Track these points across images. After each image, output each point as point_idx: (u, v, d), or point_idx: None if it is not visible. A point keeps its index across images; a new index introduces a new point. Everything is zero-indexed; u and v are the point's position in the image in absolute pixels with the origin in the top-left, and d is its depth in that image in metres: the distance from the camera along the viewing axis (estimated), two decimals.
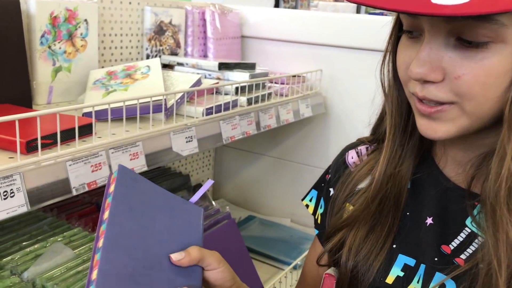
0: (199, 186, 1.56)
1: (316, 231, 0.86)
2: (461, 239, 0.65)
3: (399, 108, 0.70)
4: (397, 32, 0.67)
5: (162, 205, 0.68)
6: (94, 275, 0.54)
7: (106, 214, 0.60)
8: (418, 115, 0.62)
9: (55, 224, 1.04)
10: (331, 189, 0.81)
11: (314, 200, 0.88)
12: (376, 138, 0.79)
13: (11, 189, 0.70)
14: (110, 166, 0.86)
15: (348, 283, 0.71)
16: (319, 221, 0.86)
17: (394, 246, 0.69)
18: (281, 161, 1.76)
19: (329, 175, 0.84)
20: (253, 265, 1.30)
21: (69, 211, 1.15)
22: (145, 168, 0.92)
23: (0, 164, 0.70)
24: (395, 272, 0.68)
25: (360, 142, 0.83)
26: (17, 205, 0.71)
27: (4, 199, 0.69)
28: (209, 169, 1.89)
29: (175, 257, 0.62)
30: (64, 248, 0.92)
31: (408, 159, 0.71)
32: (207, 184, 0.76)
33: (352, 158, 0.80)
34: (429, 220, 0.68)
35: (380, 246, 0.68)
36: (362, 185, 0.75)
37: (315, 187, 0.89)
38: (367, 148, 0.80)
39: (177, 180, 1.50)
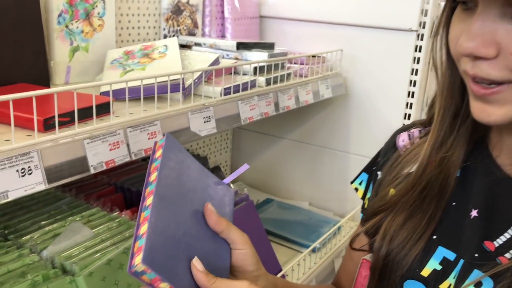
0: (217, 168, 1.56)
1: (361, 215, 0.81)
2: (508, 236, 0.59)
3: (451, 88, 0.63)
4: (451, 3, 0.60)
5: (200, 179, 0.68)
6: (143, 229, 0.53)
7: (153, 176, 0.60)
8: (472, 97, 0.56)
9: (73, 204, 1.04)
10: (379, 173, 0.77)
11: (364, 184, 0.83)
12: (429, 120, 0.72)
13: (29, 167, 0.70)
14: (128, 145, 0.85)
15: (380, 272, 0.67)
16: (365, 206, 0.81)
17: (434, 237, 0.64)
18: (300, 144, 1.74)
19: (379, 158, 0.79)
20: (271, 248, 1.29)
21: (87, 191, 1.15)
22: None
23: (18, 142, 0.69)
24: (433, 264, 0.63)
25: (413, 124, 0.76)
26: (35, 183, 0.71)
27: (22, 176, 0.69)
28: (226, 152, 1.88)
29: (208, 208, 0.61)
30: (82, 227, 0.92)
31: (459, 144, 0.65)
32: (243, 168, 0.74)
33: (403, 141, 0.75)
34: (474, 213, 0.63)
35: (419, 236, 0.64)
36: (409, 169, 0.70)
37: (365, 170, 0.84)
38: (420, 131, 0.74)
39: None
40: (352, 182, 0.88)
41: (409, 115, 1.49)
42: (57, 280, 0.79)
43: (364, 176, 0.84)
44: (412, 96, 1.48)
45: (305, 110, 1.66)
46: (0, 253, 0.84)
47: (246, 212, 1.25)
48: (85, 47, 1.12)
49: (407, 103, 1.49)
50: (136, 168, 1.37)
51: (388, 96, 1.52)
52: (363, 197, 0.83)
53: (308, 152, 1.73)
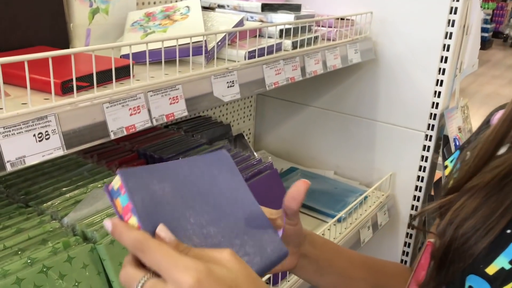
0: (240, 136, 1.52)
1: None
2: None
3: None
4: None
5: (193, 176, 0.59)
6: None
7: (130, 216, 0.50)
8: None
9: (95, 171, 1.02)
10: (468, 153, 0.70)
11: (453, 162, 0.78)
12: None
13: (46, 131, 0.67)
14: (149, 110, 0.81)
15: (440, 260, 0.61)
16: (447, 184, 0.76)
17: (508, 231, 0.57)
18: (326, 111, 1.68)
19: (472, 137, 0.73)
20: None
21: (109, 158, 1.13)
22: (185, 113, 0.87)
23: (35, 105, 0.67)
24: (501, 262, 0.55)
25: None
26: (53, 148, 0.68)
27: (39, 141, 0.66)
28: (250, 120, 1.84)
29: None
30: (104, 194, 0.90)
31: None
32: None
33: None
34: None
35: (490, 227, 0.57)
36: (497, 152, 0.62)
37: (459, 148, 0.78)
38: None
39: (218, 130, 1.46)
40: (445, 160, 0.81)
41: (441, 81, 1.42)
42: (78, 248, 0.78)
43: (456, 154, 0.78)
44: (445, 62, 1.41)
45: (332, 75, 1.60)
46: (20, 219, 0.83)
47: (270, 181, 1.22)
48: (105, 9, 1.08)
49: (440, 69, 1.42)
50: (159, 135, 1.34)
51: (419, 62, 1.45)
52: (449, 176, 0.76)
53: (335, 120, 1.67)
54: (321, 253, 0.75)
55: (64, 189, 0.93)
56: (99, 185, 0.96)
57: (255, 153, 1.46)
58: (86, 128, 0.72)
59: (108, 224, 0.50)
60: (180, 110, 0.87)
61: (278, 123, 1.82)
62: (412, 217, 0.71)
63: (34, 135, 0.66)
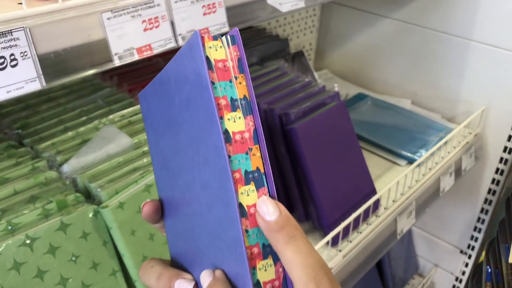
0: (299, 55, 1.25)
1: None
2: None
3: None
4: None
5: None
6: None
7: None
8: None
9: (112, 98, 0.80)
10: None
11: None
12: None
13: (12, 55, 0.45)
14: (172, 24, 0.57)
15: None
16: None
17: None
18: (407, 25, 1.36)
19: None
20: (364, 160, 1.02)
21: (134, 80, 0.90)
22: (226, 29, 0.62)
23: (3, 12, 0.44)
24: None
25: None
26: (24, 80, 0.46)
27: (1, 69, 0.44)
28: (312, 32, 1.54)
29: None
30: (118, 133, 0.68)
31: None
32: None
33: None
34: None
35: None
36: None
37: None
38: None
39: (273, 45, 1.19)
40: None
41: None
42: (75, 211, 0.58)
43: None
44: None
45: None
46: (8, 164, 0.63)
47: (336, 115, 0.97)
48: None
49: None
50: None
51: None
52: None
53: (416, 37, 1.36)
54: None
55: (69, 123, 0.72)
56: (116, 119, 0.74)
57: (316, 76, 1.20)
58: (74, 51, 0.49)
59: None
60: (218, 24, 0.61)
61: (345, 38, 1.51)
62: None
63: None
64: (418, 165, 1.11)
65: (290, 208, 0.99)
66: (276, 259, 0.33)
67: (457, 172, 1.21)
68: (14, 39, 0.44)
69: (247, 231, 0.32)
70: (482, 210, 1.40)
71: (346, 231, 0.91)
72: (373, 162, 1.16)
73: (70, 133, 0.70)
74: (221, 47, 0.32)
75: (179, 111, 0.36)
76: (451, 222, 1.48)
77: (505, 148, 1.28)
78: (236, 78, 0.32)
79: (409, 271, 1.58)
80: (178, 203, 0.38)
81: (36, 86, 0.46)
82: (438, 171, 1.15)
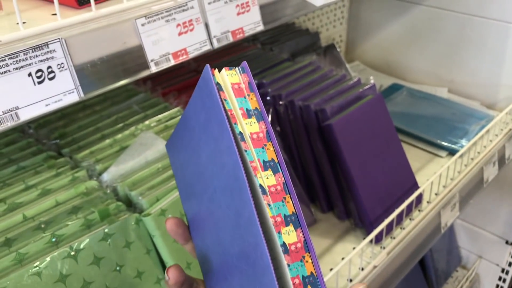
0: (331, 48, 1.22)
1: None
2: None
3: None
4: None
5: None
6: None
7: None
8: None
9: (147, 103, 0.79)
10: None
11: None
12: None
13: (49, 67, 0.44)
14: (207, 26, 0.55)
15: None
16: None
17: None
18: (441, 11, 1.32)
19: None
20: (404, 153, 0.99)
21: (167, 82, 0.89)
22: (260, 27, 0.60)
23: (30, 25, 0.43)
24: None
25: None
26: (61, 92, 0.45)
27: (39, 83, 0.43)
28: (342, 24, 1.51)
29: None
30: (155, 139, 0.68)
31: None
32: None
33: None
34: None
35: None
36: None
37: None
38: None
39: (303, 40, 1.17)
40: None
41: None
42: (118, 220, 0.57)
43: None
44: None
45: None
46: (48, 176, 0.63)
47: (374, 108, 0.94)
48: None
49: None
50: (230, 50, 1.08)
51: None
52: None
53: (451, 23, 1.31)
54: None
55: (106, 130, 0.72)
56: (152, 124, 0.73)
57: (349, 70, 1.17)
58: (111, 58, 0.48)
59: None
60: (252, 24, 0.59)
61: (376, 27, 1.47)
62: None
63: (30, 75, 0.43)
64: (460, 156, 1.07)
65: (330, 205, 0.97)
66: (297, 226, 0.37)
67: (501, 161, 1.17)
68: (50, 51, 0.44)
69: (269, 204, 0.36)
70: None
71: (389, 228, 0.88)
72: (413, 155, 1.12)
73: (107, 141, 0.69)
74: (234, 74, 0.39)
75: (199, 137, 0.41)
76: (495, 212, 1.43)
77: None
78: (248, 95, 0.39)
79: (452, 264, 1.54)
80: (203, 221, 0.42)
81: (74, 97, 0.46)
82: (481, 161, 1.11)
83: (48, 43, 0.43)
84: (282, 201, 0.37)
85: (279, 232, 0.36)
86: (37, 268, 0.52)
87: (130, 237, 0.57)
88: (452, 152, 1.11)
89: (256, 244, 0.35)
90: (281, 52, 1.09)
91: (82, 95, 0.46)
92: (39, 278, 0.52)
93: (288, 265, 0.36)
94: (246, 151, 0.37)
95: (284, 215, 0.36)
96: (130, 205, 0.61)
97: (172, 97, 0.81)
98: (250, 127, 0.38)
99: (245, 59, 1.03)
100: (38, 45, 0.43)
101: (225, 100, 0.38)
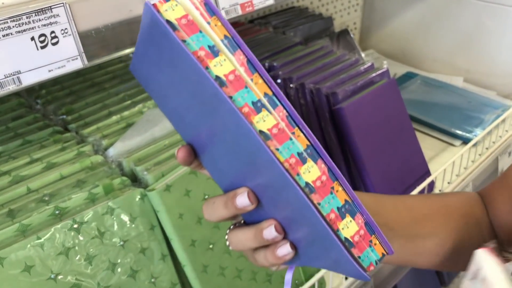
0: (344, 33, 1.20)
1: None
2: None
3: None
4: None
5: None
6: None
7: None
8: None
9: None
10: None
11: None
12: None
13: (52, 32, 0.43)
14: None
15: None
16: None
17: None
18: None
19: None
20: (417, 140, 0.97)
21: None
22: (270, 2, 0.59)
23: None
24: None
25: None
26: (65, 58, 0.44)
27: (42, 47, 0.43)
28: (356, 11, 1.49)
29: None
30: (163, 116, 0.67)
31: None
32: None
33: None
34: None
35: None
36: None
37: None
38: None
39: (316, 25, 1.15)
40: None
41: None
42: (122, 194, 0.57)
43: None
44: None
45: None
46: (54, 150, 0.63)
47: (387, 93, 0.92)
48: None
49: None
50: (242, 32, 1.07)
51: None
52: None
53: (467, 10, 1.28)
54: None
55: (114, 107, 0.71)
56: None
57: (363, 55, 1.15)
58: (116, 26, 0.47)
59: None
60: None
61: (391, 15, 1.45)
62: None
63: (33, 39, 0.42)
64: (474, 145, 1.05)
65: None
66: (316, 159, 0.34)
67: None
68: (54, 15, 0.43)
69: (277, 149, 0.32)
70: None
71: None
72: (426, 143, 1.10)
73: (114, 117, 0.69)
74: (176, 5, 0.32)
75: (171, 77, 0.35)
76: None
77: None
78: (208, 23, 0.32)
79: None
80: (206, 142, 0.38)
81: (77, 64, 0.45)
82: (496, 150, 1.08)
83: (52, 7, 0.43)
84: (291, 140, 0.33)
85: (298, 174, 0.33)
86: (40, 239, 0.51)
87: (135, 212, 0.57)
88: (466, 141, 1.09)
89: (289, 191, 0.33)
90: (294, 36, 1.07)
91: (86, 62, 0.45)
92: (42, 249, 0.51)
93: (319, 203, 0.33)
94: (230, 97, 0.31)
95: (298, 153, 0.33)
96: (135, 180, 0.61)
97: None
98: (220, 69, 0.31)
99: (257, 42, 1.02)
100: (41, 8, 0.42)
101: (185, 42, 0.31)
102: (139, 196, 0.57)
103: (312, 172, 0.33)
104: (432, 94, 1.23)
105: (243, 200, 0.36)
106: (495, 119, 1.10)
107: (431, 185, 0.94)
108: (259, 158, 0.33)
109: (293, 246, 0.37)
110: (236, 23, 1.12)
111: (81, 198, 0.56)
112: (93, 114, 0.70)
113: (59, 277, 0.52)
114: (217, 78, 0.31)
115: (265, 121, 0.32)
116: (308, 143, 0.34)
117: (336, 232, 0.33)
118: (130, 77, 0.80)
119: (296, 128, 0.33)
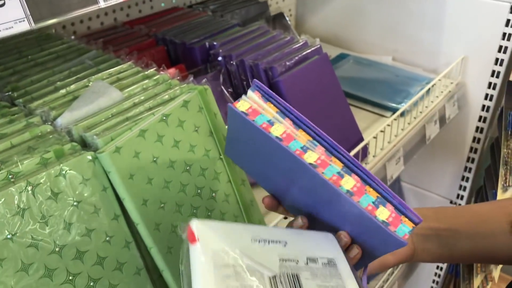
0: (280, 16, 1.26)
1: None
2: None
3: None
4: None
5: None
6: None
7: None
8: None
9: (100, 59, 0.81)
10: None
11: None
12: None
13: None
14: None
15: None
16: None
17: None
18: None
19: None
20: (350, 111, 1.04)
21: (119, 45, 0.91)
22: None
23: None
24: None
25: None
26: (12, 20, 0.47)
27: None
28: None
29: None
30: (108, 87, 0.70)
31: None
32: None
33: None
34: None
35: None
36: None
37: None
38: None
39: (252, 9, 1.21)
40: None
41: None
42: (74, 158, 0.59)
43: None
44: None
45: None
46: (2, 122, 0.64)
47: (320, 68, 0.99)
48: None
49: None
50: (181, 16, 1.11)
51: None
52: None
53: None
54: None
55: (59, 83, 0.73)
56: (105, 77, 0.75)
57: (298, 36, 1.21)
58: None
59: None
60: None
61: (324, 2, 1.53)
62: None
63: None
64: (403, 115, 1.14)
65: None
66: (350, 173, 0.52)
67: (442, 120, 1.24)
68: None
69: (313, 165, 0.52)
70: (468, 159, 1.43)
71: None
72: (360, 116, 1.18)
73: (61, 91, 0.71)
74: (244, 101, 0.53)
75: (252, 148, 0.57)
76: (440, 174, 1.51)
77: (486, 95, 1.32)
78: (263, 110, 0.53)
79: None
80: (286, 192, 0.58)
81: (25, 26, 0.48)
82: (423, 119, 1.18)
83: None
84: (331, 164, 0.51)
85: (341, 186, 0.50)
86: None
87: (86, 174, 0.59)
88: (396, 112, 1.17)
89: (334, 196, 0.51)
90: (231, 19, 1.12)
91: (33, 24, 0.48)
92: None
93: (358, 202, 0.50)
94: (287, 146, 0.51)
95: (338, 172, 0.51)
96: (85, 146, 0.63)
97: (124, 55, 0.83)
98: (276, 131, 0.51)
99: (196, 25, 1.06)
100: None
101: (253, 121, 0.52)
102: (90, 158, 0.60)
103: (348, 182, 0.51)
104: (363, 72, 1.31)
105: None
106: (420, 91, 1.19)
107: (365, 150, 1.01)
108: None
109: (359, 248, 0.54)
110: (174, 8, 1.16)
111: (33, 163, 0.58)
112: (39, 90, 0.72)
113: (16, 237, 0.54)
114: (277, 138, 0.51)
115: (311, 156, 0.51)
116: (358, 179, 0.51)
117: (375, 218, 0.49)
118: (73, 57, 0.82)
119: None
